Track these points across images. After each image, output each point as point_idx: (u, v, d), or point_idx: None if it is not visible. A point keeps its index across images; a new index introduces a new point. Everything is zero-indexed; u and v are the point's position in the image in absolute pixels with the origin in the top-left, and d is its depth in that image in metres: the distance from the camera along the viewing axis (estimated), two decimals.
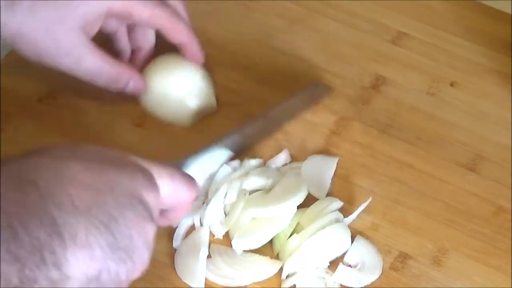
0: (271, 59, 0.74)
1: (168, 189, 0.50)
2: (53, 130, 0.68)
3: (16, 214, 0.41)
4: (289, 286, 0.60)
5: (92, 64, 0.64)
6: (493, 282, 0.62)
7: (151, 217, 0.48)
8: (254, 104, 0.70)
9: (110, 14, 0.64)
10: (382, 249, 0.63)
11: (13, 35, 0.62)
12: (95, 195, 0.45)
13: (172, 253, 0.62)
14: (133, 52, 0.71)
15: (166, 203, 0.51)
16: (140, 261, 0.47)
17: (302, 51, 0.75)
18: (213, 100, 0.69)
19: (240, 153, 0.66)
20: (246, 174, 0.65)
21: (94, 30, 0.64)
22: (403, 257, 0.63)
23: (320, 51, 0.74)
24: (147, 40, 0.70)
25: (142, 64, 0.70)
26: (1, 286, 0.39)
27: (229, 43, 0.75)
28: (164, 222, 0.53)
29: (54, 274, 0.42)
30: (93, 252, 0.44)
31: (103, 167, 0.47)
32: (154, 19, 0.65)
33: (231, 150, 0.66)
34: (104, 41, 0.67)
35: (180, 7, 0.68)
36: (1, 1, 0.60)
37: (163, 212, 0.52)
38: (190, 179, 0.53)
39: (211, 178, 0.65)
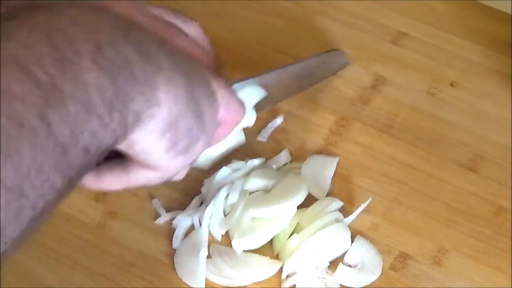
0: (271, 59, 0.74)
1: (222, 100, 0.50)
2: None
3: (97, 30, 0.40)
4: (289, 286, 0.60)
5: None
6: (493, 282, 0.62)
7: (217, 102, 0.49)
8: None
9: None
10: (382, 249, 0.63)
11: None
12: (171, 51, 0.46)
13: (172, 253, 0.62)
14: None
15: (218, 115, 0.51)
16: (207, 132, 0.48)
17: (302, 51, 0.74)
18: (242, 136, 0.68)
19: (270, 104, 0.66)
20: (247, 175, 0.65)
21: None
22: (403, 257, 0.63)
23: (320, 51, 0.74)
24: None
25: None
26: (96, 98, 0.39)
27: (229, 43, 0.75)
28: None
29: (148, 93, 0.42)
30: (177, 91, 0.44)
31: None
32: None
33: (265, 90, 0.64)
34: None
35: (199, 35, 0.64)
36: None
37: None
38: (240, 99, 0.53)
39: (210, 180, 0.65)
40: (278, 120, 0.69)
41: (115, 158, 0.47)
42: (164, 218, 0.64)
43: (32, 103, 0.36)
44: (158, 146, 0.45)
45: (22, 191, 0.36)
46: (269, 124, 0.69)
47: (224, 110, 0.51)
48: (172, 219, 0.64)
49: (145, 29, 0.46)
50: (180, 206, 0.64)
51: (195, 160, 0.50)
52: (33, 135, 0.36)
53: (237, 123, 0.54)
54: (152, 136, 0.44)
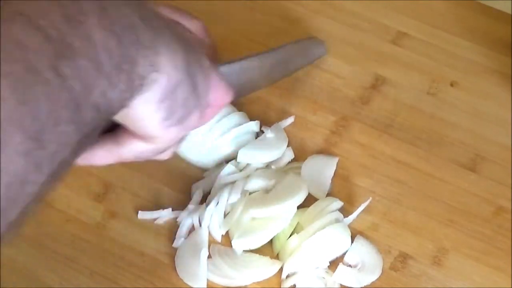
0: None
1: (212, 82, 0.51)
2: None
3: None
4: (289, 286, 0.61)
5: None
6: (493, 282, 0.62)
7: (210, 78, 0.50)
8: (254, 104, 0.70)
9: None
10: (382, 249, 0.63)
11: None
12: (169, 23, 0.47)
13: (172, 253, 0.62)
14: None
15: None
16: (201, 105, 0.49)
17: None
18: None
19: (249, 91, 0.67)
20: (248, 175, 0.65)
21: None
22: (403, 257, 0.63)
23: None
24: None
25: None
26: (104, 57, 0.39)
27: (230, 43, 0.75)
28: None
29: (152, 57, 0.43)
30: (177, 59, 0.45)
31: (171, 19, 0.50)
32: None
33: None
34: None
35: (203, 33, 0.66)
36: None
37: None
38: (226, 82, 0.54)
39: (213, 178, 0.65)
40: (289, 120, 0.70)
41: (105, 134, 0.48)
42: (164, 218, 0.64)
43: (44, 54, 0.36)
44: (155, 114, 0.46)
45: (41, 141, 0.36)
46: (279, 123, 0.69)
47: (212, 91, 0.51)
48: (173, 218, 0.64)
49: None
50: (182, 205, 0.64)
51: (187, 135, 0.51)
52: (48, 85, 0.36)
53: (224, 105, 0.54)
54: (150, 104, 0.45)
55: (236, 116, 0.66)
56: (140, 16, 0.43)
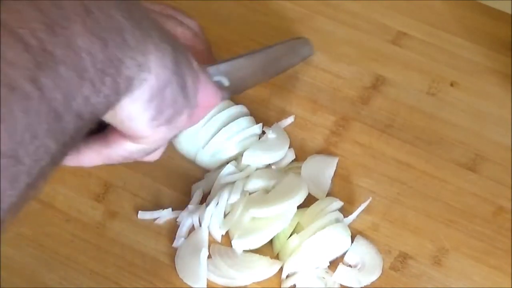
0: None
1: (200, 83, 0.51)
2: None
3: None
4: (289, 286, 0.61)
5: None
6: (493, 282, 0.62)
7: (199, 79, 0.49)
8: (255, 104, 0.70)
9: None
10: (382, 249, 0.63)
11: None
12: (158, 23, 0.46)
13: (172, 253, 0.62)
14: None
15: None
16: (190, 106, 0.48)
17: None
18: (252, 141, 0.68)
19: (237, 91, 0.66)
20: (248, 176, 0.65)
21: None
22: (403, 257, 0.63)
23: (320, 51, 0.74)
24: None
25: None
26: (88, 62, 0.38)
27: (229, 43, 0.75)
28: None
29: (139, 58, 0.42)
30: (165, 58, 0.45)
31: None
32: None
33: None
34: None
35: (198, 30, 0.66)
36: None
37: None
38: (215, 84, 0.54)
39: (213, 178, 0.65)
40: (289, 120, 0.70)
41: (94, 135, 0.48)
42: (164, 218, 0.64)
43: (23, 66, 0.35)
44: (143, 113, 0.45)
45: (18, 157, 0.36)
46: (279, 123, 0.69)
47: (200, 93, 0.51)
48: (173, 218, 0.64)
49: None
50: (182, 205, 0.64)
51: (176, 135, 0.50)
52: (26, 99, 0.35)
53: (213, 107, 0.54)
54: (138, 103, 0.44)
55: (244, 121, 0.66)
56: (128, 17, 0.42)
